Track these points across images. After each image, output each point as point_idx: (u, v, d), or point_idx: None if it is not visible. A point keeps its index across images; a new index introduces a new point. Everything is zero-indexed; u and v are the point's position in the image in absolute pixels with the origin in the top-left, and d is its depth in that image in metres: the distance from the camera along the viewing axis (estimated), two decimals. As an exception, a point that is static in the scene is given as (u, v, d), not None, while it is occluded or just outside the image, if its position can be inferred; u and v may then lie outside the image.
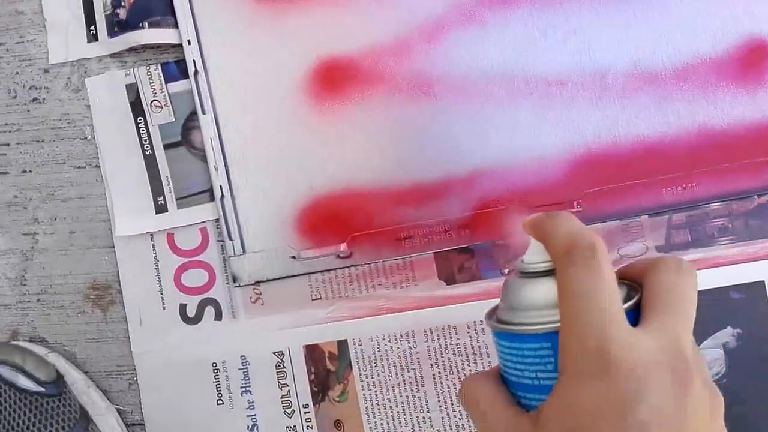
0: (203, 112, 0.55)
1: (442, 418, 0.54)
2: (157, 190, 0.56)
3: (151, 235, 0.56)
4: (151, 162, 0.56)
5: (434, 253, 0.54)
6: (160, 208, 0.56)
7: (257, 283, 0.55)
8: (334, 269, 0.54)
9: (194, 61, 0.55)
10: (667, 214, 0.53)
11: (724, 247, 0.52)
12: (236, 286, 0.55)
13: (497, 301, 0.40)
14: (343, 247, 0.54)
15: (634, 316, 0.36)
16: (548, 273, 0.37)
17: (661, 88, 0.52)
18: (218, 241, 0.55)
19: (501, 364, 0.39)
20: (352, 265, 0.54)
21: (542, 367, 0.36)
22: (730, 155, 0.52)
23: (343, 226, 0.54)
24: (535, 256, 0.38)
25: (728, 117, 0.52)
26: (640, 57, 0.52)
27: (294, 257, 0.54)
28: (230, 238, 0.55)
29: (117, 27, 0.56)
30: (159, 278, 0.56)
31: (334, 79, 0.55)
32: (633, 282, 0.39)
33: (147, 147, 0.56)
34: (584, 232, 0.36)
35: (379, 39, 0.54)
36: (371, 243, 0.54)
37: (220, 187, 0.55)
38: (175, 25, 0.55)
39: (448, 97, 0.54)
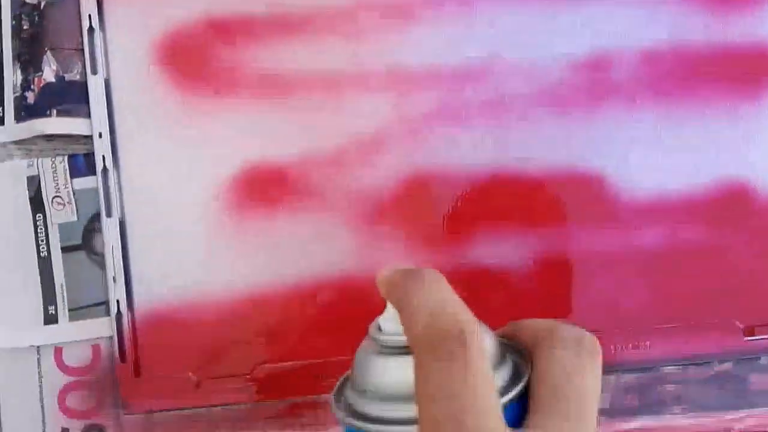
0: (108, 215, 0.50)
1: None
2: (48, 297, 0.50)
3: (38, 348, 0.50)
4: (45, 265, 0.50)
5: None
6: (50, 319, 0.50)
7: (150, 411, 0.49)
8: (237, 404, 0.49)
9: (104, 156, 0.50)
10: (614, 373, 0.47)
11: (677, 416, 0.47)
12: (126, 414, 0.49)
13: None
14: (247, 378, 0.48)
15: (521, 407, 0.28)
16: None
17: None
18: (111, 361, 0.49)
19: None
20: (258, 400, 0.49)
21: None
22: (690, 316, 0.47)
23: (250, 351, 0.49)
24: (397, 324, 0.29)
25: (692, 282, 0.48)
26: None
27: (195, 386, 0.49)
28: (122, 360, 0.49)
29: (24, 112, 0.51)
30: (41, 398, 0.50)
31: (259, 188, 0.49)
32: (522, 349, 0.30)
33: (43, 248, 0.50)
34: (451, 311, 0.27)
35: (316, 147, 0.49)
36: (281, 376, 0.48)
37: (117, 301, 0.49)
38: (89, 115, 0.50)
39: (386, 222, 0.49)
